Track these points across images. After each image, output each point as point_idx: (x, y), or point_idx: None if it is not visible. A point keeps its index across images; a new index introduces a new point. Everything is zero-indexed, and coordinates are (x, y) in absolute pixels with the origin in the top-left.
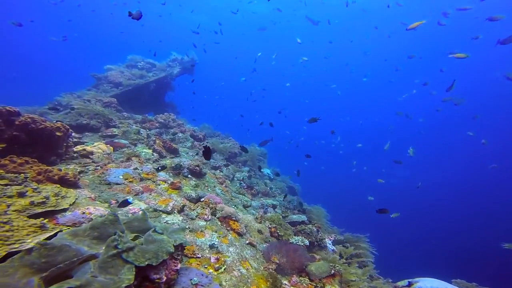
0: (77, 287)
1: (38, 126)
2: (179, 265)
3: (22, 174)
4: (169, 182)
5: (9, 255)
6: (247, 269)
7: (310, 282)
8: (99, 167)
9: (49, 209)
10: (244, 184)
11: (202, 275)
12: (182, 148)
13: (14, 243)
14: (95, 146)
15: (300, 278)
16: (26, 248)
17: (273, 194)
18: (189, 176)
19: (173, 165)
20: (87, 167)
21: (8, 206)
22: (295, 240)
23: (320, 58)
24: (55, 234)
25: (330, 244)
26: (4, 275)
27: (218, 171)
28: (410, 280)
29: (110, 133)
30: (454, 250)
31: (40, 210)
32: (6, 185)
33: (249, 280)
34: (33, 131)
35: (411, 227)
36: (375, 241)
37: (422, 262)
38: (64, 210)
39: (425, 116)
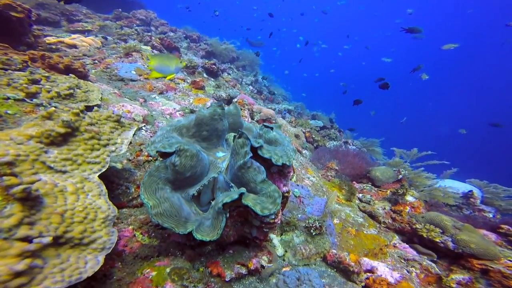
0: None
1: None
2: (291, 173)
3: (18, 56)
4: (188, 81)
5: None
6: (314, 176)
7: (380, 189)
8: (96, 61)
9: (83, 104)
10: (253, 88)
11: (298, 185)
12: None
13: (108, 144)
14: (74, 38)
15: (362, 184)
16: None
17: (277, 101)
18: (205, 75)
19: (188, 63)
20: (82, 60)
21: (54, 93)
22: (333, 145)
23: None
24: (138, 130)
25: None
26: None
27: (225, 74)
28: None
29: (80, 28)
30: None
31: (73, 105)
32: (2, 69)
33: (323, 189)
34: None
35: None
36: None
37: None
38: (98, 106)
39: None
